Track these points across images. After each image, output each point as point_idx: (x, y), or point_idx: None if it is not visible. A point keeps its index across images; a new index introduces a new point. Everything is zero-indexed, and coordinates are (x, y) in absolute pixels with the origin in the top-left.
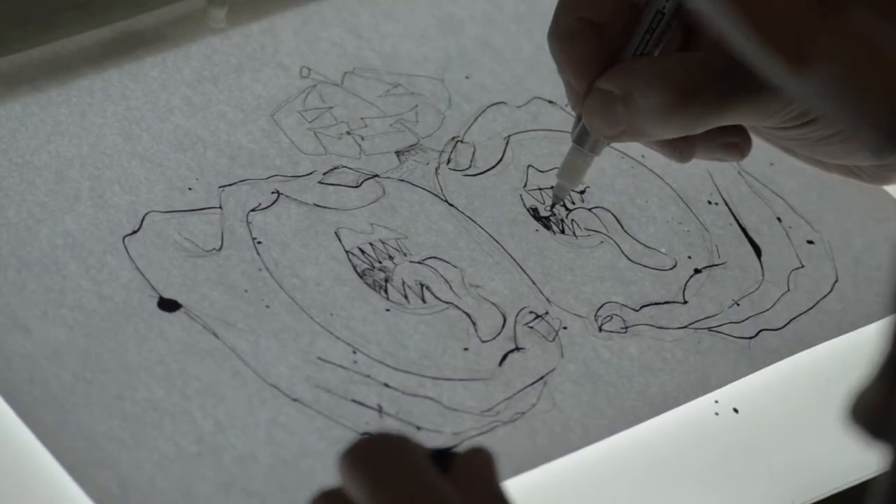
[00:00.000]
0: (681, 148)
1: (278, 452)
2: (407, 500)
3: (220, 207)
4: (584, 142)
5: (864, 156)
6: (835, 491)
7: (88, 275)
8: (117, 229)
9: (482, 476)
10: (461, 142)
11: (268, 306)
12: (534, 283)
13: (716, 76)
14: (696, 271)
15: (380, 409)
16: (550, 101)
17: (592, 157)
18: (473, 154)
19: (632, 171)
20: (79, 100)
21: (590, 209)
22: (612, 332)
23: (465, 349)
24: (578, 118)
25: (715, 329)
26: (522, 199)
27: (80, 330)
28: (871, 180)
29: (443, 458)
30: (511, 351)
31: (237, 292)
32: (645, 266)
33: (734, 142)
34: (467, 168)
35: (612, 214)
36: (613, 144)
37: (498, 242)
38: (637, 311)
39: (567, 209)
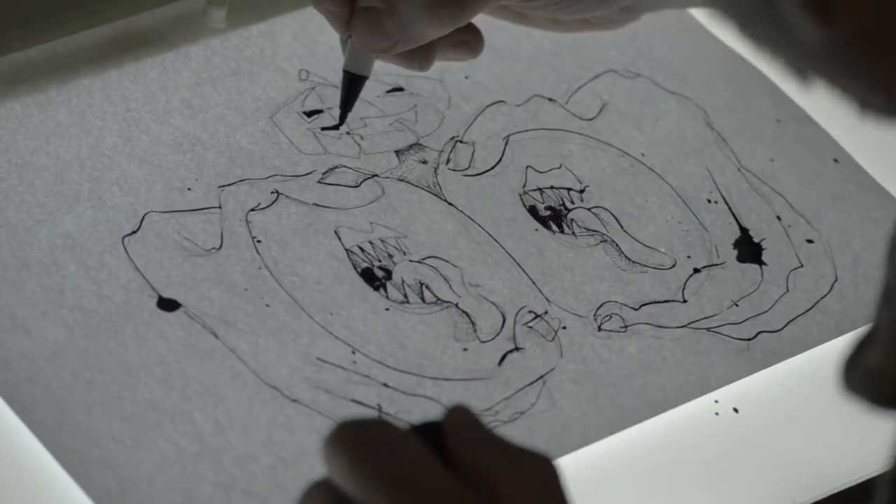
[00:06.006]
0: (420, 56)
1: (278, 453)
2: (396, 479)
3: (220, 207)
4: (356, 64)
5: (615, 1)
6: (835, 491)
7: (88, 275)
8: (117, 230)
9: (471, 434)
10: (461, 141)
11: (267, 305)
12: (533, 282)
13: None
14: (696, 271)
15: (379, 409)
16: (550, 99)
17: (365, 80)
18: (473, 154)
19: (631, 169)
20: (78, 100)
21: (589, 209)
22: (611, 331)
23: (465, 349)
24: (345, 43)
25: (714, 330)
26: (522, 199)
27: (79, 330)
28: (605, 27)
29: (427, 431)
30: (510, 351)
31: (237, 291)
32: (644, 265)
33: (465, 39)
34: (466, 168)
35: (612, 214)
36: (612, 143)
37: (497, 242)
38: (636, 310)
39: (567, 209)
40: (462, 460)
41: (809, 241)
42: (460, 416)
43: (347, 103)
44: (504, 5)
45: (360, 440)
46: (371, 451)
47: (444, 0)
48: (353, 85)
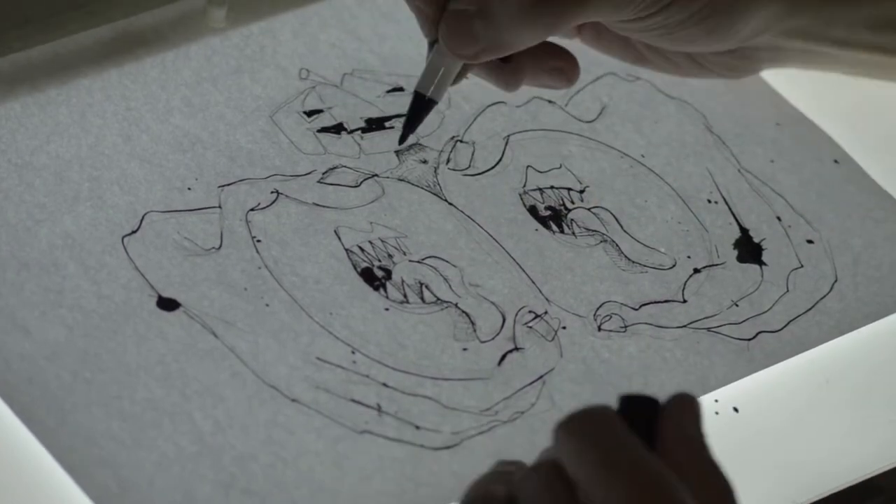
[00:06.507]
0: (507, 75)
1: (277, 452)
2: (618, 471)
3: (220, 207)
4: (428, 85)
5: (720, 36)
6: (835, 491)
7: (87, 275)
8: (116, 229)
9: (689, 435)
10: (461, 141)
11: (267, 305)
12: (533, 282)
13: None
14: (696, 271)
15: (379, 409)
16: (550, 101)
17: (434, 104)
18: (473, 154)
19: (631, 170)
20: (78, 100)
21: (589, 209)
22: (611, 331)
23: (465, 349)
24: (431, 46)
25: (714, 330)
26: (522, 199)
27: (79, 330)
28: (720, 72)
29: (645, 406)
30: (510, 351)
31: (236, 290)
32: (644, 265)
33: (559, 66)
34: (466, 168)
35: (612, 214)
36: (612, 144)
37: (497, 242)
38: (636, 309)
39: (567, 209)
40: (669, 447)
41: (809, 242)
42: (683, 405)
43: (410, 125)
44: (620, 43)
45: (588, 428)
46: (596, 441)
47: (537, 5)
48: (418, 106)
